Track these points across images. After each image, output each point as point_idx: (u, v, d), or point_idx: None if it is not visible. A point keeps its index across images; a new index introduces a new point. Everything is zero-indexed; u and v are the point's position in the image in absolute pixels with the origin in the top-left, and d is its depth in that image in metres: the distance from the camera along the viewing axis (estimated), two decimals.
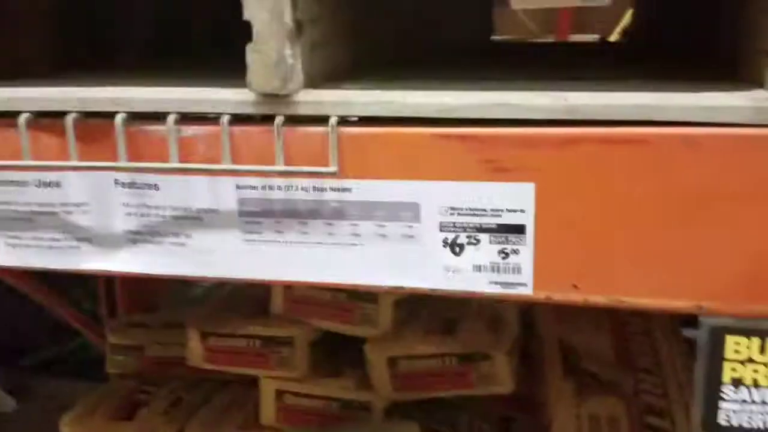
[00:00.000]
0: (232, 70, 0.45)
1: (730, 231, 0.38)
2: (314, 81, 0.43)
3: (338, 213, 0.42)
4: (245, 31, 0.40)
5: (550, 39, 1.74)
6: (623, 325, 0.88)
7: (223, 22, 0.65)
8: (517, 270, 0.40)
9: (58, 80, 0.46)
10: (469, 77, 0.50)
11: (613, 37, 1.44)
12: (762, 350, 0.38)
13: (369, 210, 0.41)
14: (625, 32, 1.38)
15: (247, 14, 0.39)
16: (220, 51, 0.62)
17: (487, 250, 0.41)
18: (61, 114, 0.42)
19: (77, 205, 0.44)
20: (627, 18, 1.38)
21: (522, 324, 0.88)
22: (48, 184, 0.43)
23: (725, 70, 0.48)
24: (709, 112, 0.36)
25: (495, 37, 1.17)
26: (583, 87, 0.41)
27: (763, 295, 0.38)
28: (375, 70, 0.54)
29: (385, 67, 0.57)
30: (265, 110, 0.41)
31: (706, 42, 0.60)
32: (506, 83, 0.44)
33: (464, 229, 0.40)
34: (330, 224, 0.42)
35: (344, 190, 0.41)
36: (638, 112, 0.37)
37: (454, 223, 0.40)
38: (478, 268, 0.41)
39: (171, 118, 0.41)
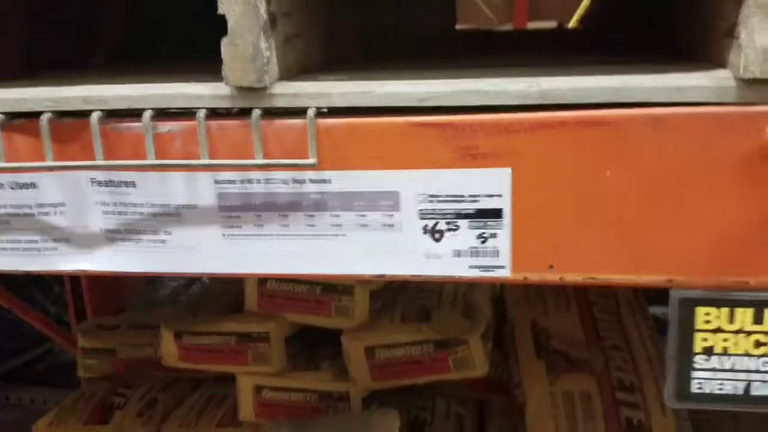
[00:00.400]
0: (205, 68, 0.45)
1: (696, 206, 0.39)
2: (289, 73, 0.43)
3: (319, 204, 0.42)
4: (217, 31, 0.40)
5: (509, 26, 1.76)
6: (591, 304, 0.91)
7: (194, 23, 0.64)
8: (495, 253, 0.42)
9: (30, 80, 0.46)
10: (439, 66, 0.50)
11: (571, 24, 1.46)
12: (731, 319, 0.40)
13: (349, 200, 0.42)
14: (583, 19, 1.41)
15: (222, 8, 0.39)
16: (192, 52, 0.61)
17: (466, 235, 0.41)
18: (35, 114, 0.41)
19: (53, 205, 0.43)
20: (585, 5, 1.40)
21: (494, 309, 0.89)
22: (23, 186, 0.43)
23: (684, 53, 0.50)
24: (674, 92, 0.37)
25: (458, 27, 1.18)
26: (553, 72, 0.42)
27: (729, 267, 0.40)
28: (346, 62, 0.55)
29: (356, 59, 0.58)
30: (241, 104, 0.41)
31: (662, 27, 0.62)
32: (477, 71, 0.45)
33: (443, 216, 0.41)
34: (311, 216, 0.42)
35: (324, 181, 0.42)
36: (608, 94, 0.38)
37: (433, 210, 0.41)
38: (457, 253, 0.42)
39: (146, 115, 0.41)
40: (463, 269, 0.42)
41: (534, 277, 0.42)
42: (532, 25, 1.75)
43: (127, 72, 0.51)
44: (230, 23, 0.39)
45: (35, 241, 0.44)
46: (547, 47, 0.79)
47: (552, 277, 0.42)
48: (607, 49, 0.67)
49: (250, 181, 0.42)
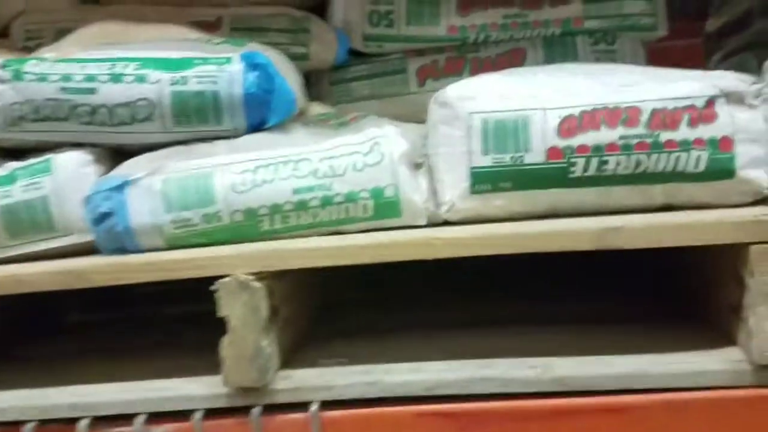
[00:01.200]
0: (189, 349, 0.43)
1: None
2: (286, 354, 0.42)
3: None
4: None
5: None
6: None
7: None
8: None
9: (7, 377, 0.43)
10: (422, 324, 0.50)
11: None
12: None
13: None
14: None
15: (224, 309, 0.38)
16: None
17: None
18: (19, 422, 0.39)
19: None
20: None
21: None
22: None
23: (677, 303, 0.50)
24: (691, 378, 0.37)
25: None
26: (561, 346, 0.41)
27: None
28: (326, 318, 0.54)
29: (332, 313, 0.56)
30: (241, 402, 0.39)
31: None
32: (482, 339, 0.44)
33: None
34: None
35: None
36: (624, 382, 0.37)
37: None
38: None
39: (139, 420, 0.38)
40: None
41: None
42: None
43: (101, 358, 0.48)
44: (231, 324, 0.38)
45: None
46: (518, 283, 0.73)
47: None
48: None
49: None
